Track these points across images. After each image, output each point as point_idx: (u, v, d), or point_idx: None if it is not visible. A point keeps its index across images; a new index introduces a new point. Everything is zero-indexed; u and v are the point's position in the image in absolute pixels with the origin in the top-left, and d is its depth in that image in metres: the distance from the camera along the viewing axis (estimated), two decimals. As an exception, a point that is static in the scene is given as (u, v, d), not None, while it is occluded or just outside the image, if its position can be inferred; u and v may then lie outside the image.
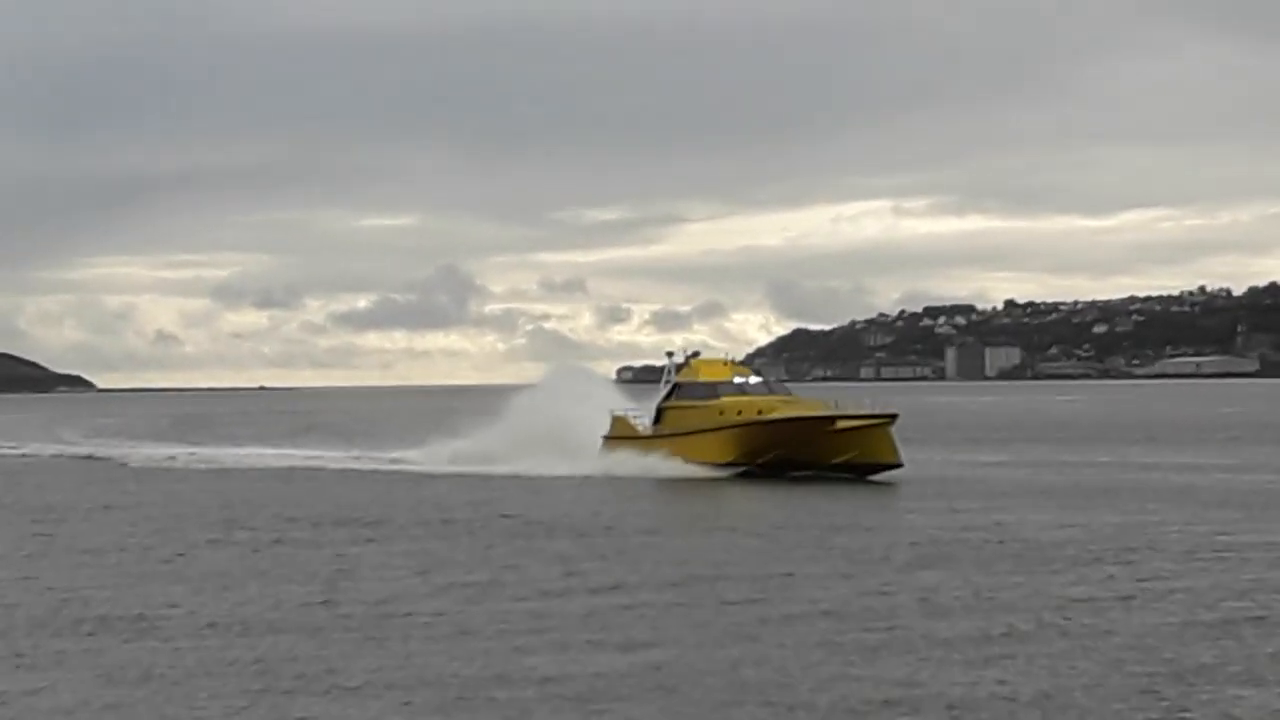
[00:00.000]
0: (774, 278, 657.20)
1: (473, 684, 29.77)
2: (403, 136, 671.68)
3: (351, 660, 32.18)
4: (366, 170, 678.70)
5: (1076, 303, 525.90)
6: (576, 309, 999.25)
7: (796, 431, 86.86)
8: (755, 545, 53.28)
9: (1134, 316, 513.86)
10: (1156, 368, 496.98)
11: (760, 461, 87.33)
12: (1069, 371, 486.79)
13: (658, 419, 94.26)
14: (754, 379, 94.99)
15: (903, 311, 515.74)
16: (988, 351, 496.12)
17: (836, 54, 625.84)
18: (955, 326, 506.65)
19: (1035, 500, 68.92)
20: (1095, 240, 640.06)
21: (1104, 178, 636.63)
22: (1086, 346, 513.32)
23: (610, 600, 39.84)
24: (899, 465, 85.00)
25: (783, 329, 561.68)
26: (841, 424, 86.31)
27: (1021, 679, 29.51)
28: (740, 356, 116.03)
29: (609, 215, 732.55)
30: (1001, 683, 29.11)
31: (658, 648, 32.98)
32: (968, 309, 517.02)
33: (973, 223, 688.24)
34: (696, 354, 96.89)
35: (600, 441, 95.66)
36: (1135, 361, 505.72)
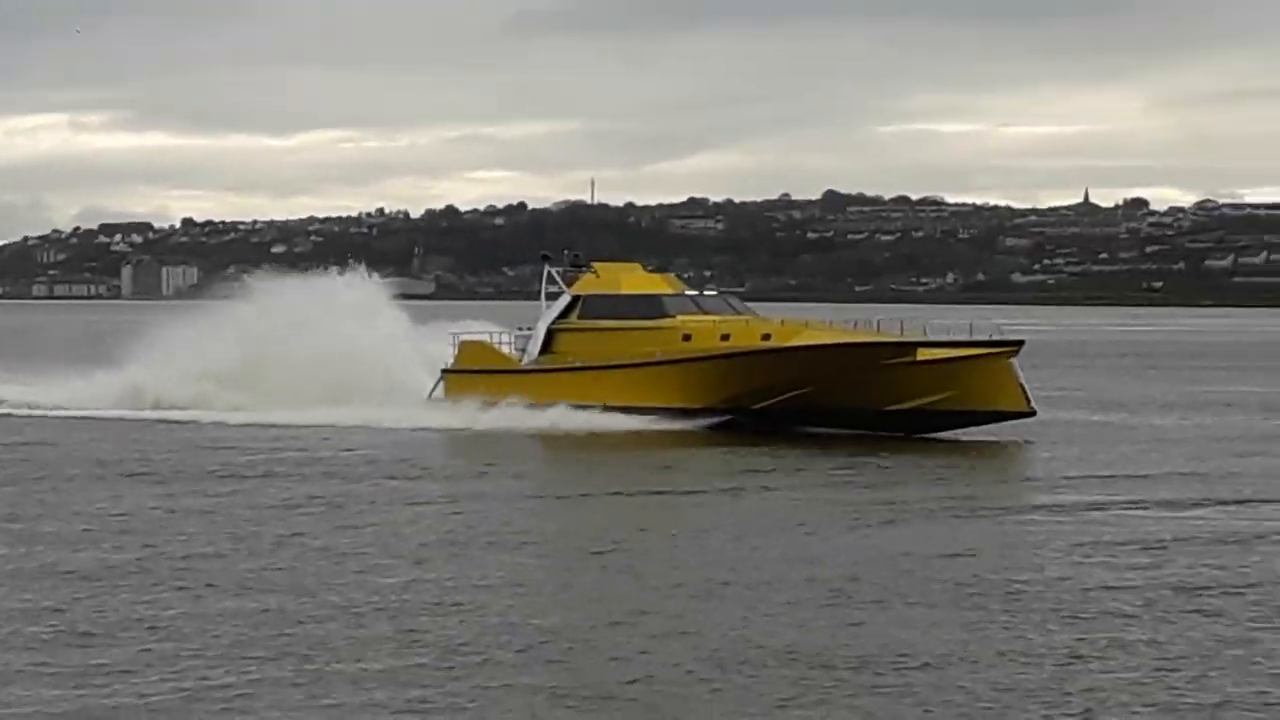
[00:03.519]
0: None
1: None
2: None
3: None
4: None
5: (255, 222, 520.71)
6: None
7: (844, 363, 60.49)
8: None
9: (313, 237, 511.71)
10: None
11: (760, 406, 61.11)
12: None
13: (547, 346, 65.38)
14: (708, 291, 68.12)
15: (78, 228, 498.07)
16: (165, 270, 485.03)
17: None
18: (131, 244, 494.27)
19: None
20: (276, 160, 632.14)
21: (285, 97, 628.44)
22: (265, 266, 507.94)
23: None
24: (1030, 412, 59.62)
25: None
26: (926, 354, 60.41)
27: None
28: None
29: None
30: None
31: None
32: (145, 226, 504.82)
33: (153, 139, 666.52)
34: (577, 256, 68.79)
35: (436, 378, 66.45)
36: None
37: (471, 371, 65.62)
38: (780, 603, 29.50)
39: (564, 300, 65.93)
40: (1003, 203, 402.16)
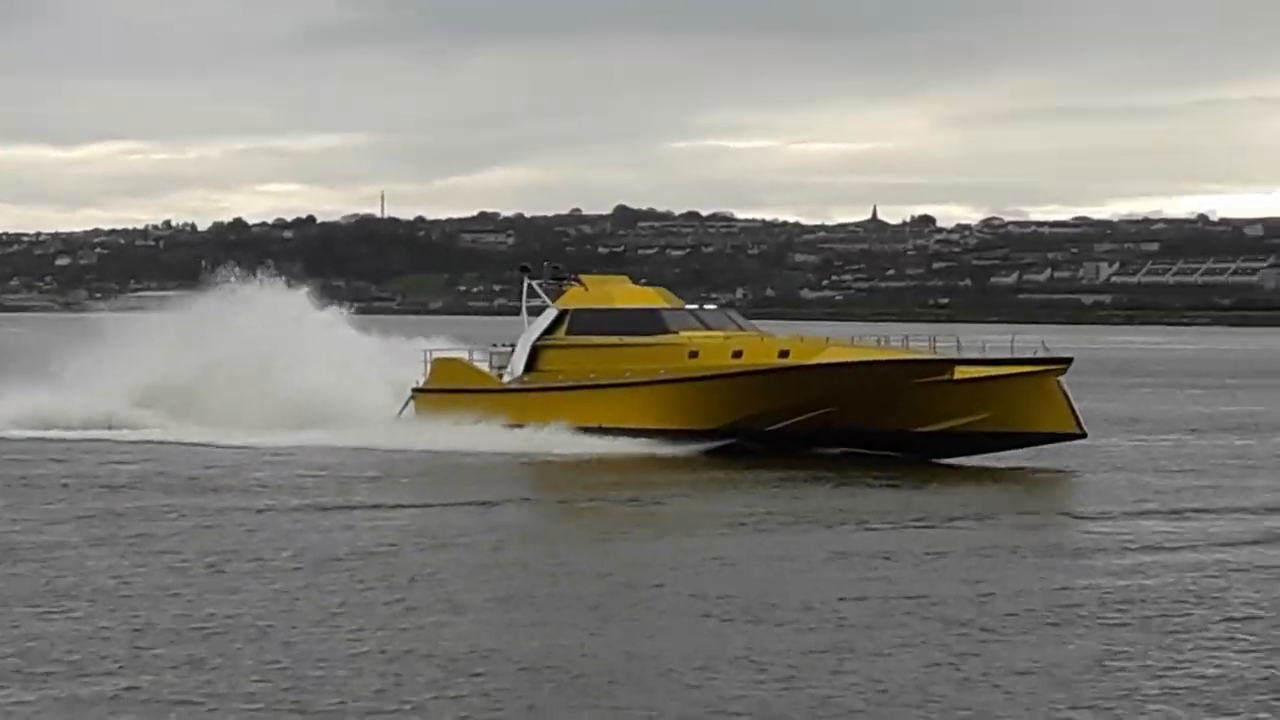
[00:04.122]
0: None
1: None
2: None
3: None
4: None
5: (40, 234, 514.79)
6: None
7: (874, 382, 56.58)
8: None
9: (98, 250, 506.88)
10: (120, 301, 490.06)
11: (774, 427, 57.03)
12: (31, 304, 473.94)
13: (532, 364, 60.85)
14: (709, 306, 63.53)
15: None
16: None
17: None
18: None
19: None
20: (61, 171, 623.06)
21: (71, 108, 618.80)
22: (49, 279, 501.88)
23: None
24: (1081, 434, 56.03)
25: None
26: (965, 372, 56.52)
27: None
28: None
29: None
30: None
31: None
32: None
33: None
34: (558, 268, 64.94)
35: (406, 398, 62.32)
36: (98, 295, 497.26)
37: (448, 390, 61.47)
38: (531, 615, 29.83)
39: (549, 315, 61.55)
40: (792, 219, 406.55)
